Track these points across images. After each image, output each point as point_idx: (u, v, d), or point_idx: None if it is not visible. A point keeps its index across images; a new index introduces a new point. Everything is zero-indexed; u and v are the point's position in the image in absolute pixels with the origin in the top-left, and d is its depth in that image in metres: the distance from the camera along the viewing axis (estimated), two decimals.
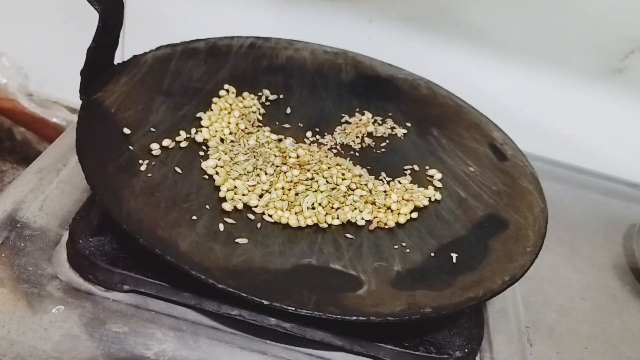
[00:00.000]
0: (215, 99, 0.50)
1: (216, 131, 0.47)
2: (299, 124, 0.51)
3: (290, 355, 0.40)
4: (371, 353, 0.40)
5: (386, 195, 0.46)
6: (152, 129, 0.46)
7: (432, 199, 0.47)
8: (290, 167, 0.45)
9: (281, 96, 0.54)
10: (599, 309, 0.52)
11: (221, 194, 0.43)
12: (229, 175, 0.44)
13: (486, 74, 0.66)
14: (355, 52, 0.60)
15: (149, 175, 0.42)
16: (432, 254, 0.42)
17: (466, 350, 0.41)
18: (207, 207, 0.41)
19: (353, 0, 0.65)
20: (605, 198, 0.66)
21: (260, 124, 0.50)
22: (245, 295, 0.35)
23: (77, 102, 0.44)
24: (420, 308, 0.37)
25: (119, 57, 0.49)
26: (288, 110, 0.53)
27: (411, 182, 0.48)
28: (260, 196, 0.43)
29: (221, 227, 0.40)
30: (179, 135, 0.46)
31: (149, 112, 0.47)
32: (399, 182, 0.48)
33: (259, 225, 0.41)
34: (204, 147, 0.46)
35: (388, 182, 0.48)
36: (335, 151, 0.50)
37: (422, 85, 0.59)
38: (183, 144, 0.46)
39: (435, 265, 0.41)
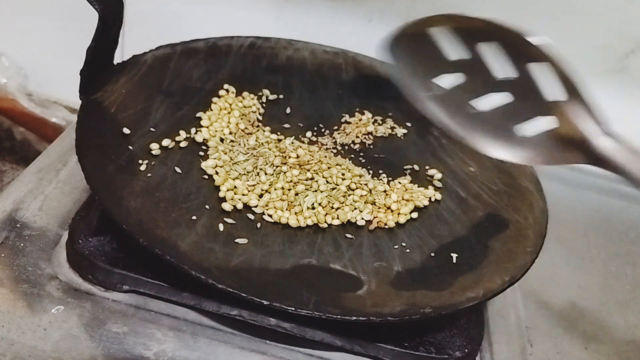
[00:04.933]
0: (215, 99, 0.50)
1: (216, 131, 0.47)
2: (299, 124, 0.51)
3: (290, 355, 0.40)
4: (371, 353, 0.40)
5: (386, 195, 0.46)
6: (152, 129, 0.46)
7: (432, 199, 0.47)
8: (290, 167, 0.45)
9: (281, 96, 0.54)
10: (599, 309, 0.52)
11: (221, 194, 0.42)
12: (229, 175, 0.44)
13: None
14: (355, 51, 0.60)
15: (149, 175, 0.42)
16: (432, 254, 0.42)
17: (466, 350, 0.41)
18: (207, 207, 0.41)
19: (353, 0, 0.64)
20: (606, 198, 0.66)
21: (260, 124, 0.50)
22: (245, 295, 0.35)
23: (76, 102, 0.44)
24: (420, 308, 0.37)
25: (119, 57, 0.49)
26: (288, 110, 0.52)
27: (411, 182, 0.48)
28: (260, 196, 0.43)
29: (221, 227, 0.40)
30: (179, 135, 0.46)
31: (149, 112, 0.47)
32: (399, 182, 0.48)
33: (258, 225, 0.41)
34: (204, 147, 0.46)
35: (388, 182, 0.48)
36: (335, 151, 0.50)
37: None
38: (183, 144, 0.45)
39: (435, 265, 0.41)
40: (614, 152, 0.28)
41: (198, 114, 0.48)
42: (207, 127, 0.47)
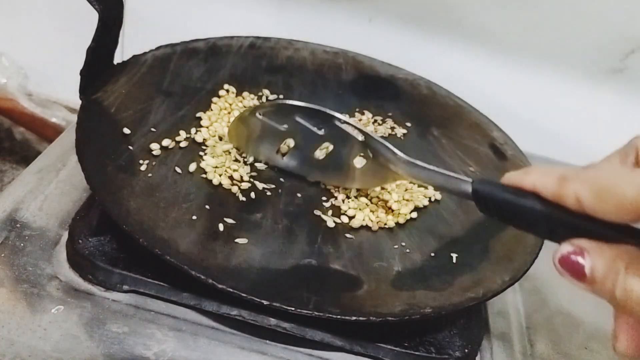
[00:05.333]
0: (215, 99, 0.50)
1: (216, 131, 0.47)
2: None
3: (290, 355, 0.40)
4: (371, 353, 0.40)
5: (386, 195, 0.46)
6: (152, 129, 0.46)
7: (432, 199, 0.47)
8: None
9: (281, 96, 0.54)
10: (599, 309, 0.52)
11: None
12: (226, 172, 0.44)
13: (486, 74, 0.66)
14: (355, 51, 0.60)
15: (149, 175, 0.42)
16: (432, 254, 0.42)
17: (466, 350, 0.41)
18: (207, 207, 0.41)
19: (353, 0, 0.65)
20: None
21: None
22: (245, 295, 0.35)
23: (76, 102, 0.44)
24: (420, 308, 0.37)
25: (119, 57, 0.49)
26: None
27: (411, 182, 0.48)
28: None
29: (221, 227, 0.40)
30: (179, 135, 0.46)
31: (149, 112, 0.47)
32: (399, 182, 0.48)
33: (259, 222, 0.41)
34: (204, 147, 0.46)
35: None
36: None
37: (422, 85, 0.59)
38: (183, 144, 0.45)
39: (435, 265, 0.41)
40: (407, 170, 0.39)
41: (198, 114, 0.48)
42: (207, 127, 0.47)
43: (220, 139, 0.47)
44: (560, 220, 0.27)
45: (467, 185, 0.32)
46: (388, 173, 0.40)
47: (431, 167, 0.37)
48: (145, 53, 0.52)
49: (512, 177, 0.29)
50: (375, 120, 0.54)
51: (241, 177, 0.44)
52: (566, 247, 0.26)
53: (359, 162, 0.43)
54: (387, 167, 0.40)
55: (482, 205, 0.31)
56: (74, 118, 0.48)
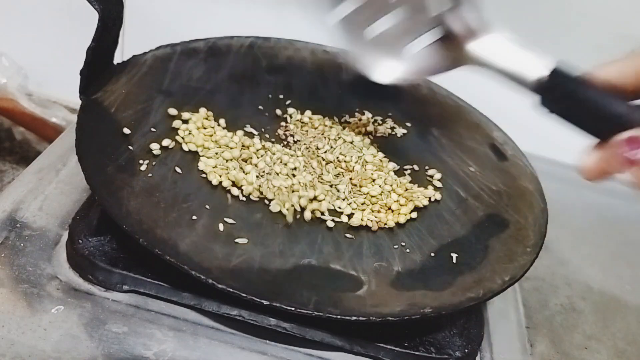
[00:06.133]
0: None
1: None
2: None
3: (290, 355, 0.40)
4: (371, 353, 0.40)
5: (386, 195, 0.46)
6: (152, 129, 0.46)
7: (432, 199, 0.47)
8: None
9: (281, 96, 0.54)
10: (599, 309, 0.52)
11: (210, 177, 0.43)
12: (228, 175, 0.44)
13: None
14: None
15: (149, 175, 0.42)
16: (432, 254, 0.42)
17: (466, 350, 0.41)
18: (207, 207, 0.41)
19: None
20: (606, 198, 0.66)
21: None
22: (245, 295, 0.35)
23: (76, 102, 0.44)
24: (420, 308, 0.37)
25: (119, 57, 0.49)
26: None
27: (411, 182, 0.48)
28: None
29: (221, 227, 0.40)
30: (179, 135, 0.46)
31: (149, 112, 0.47)
32: (399, 182, 0.48)
33: (260, 222, 0.41)
34: (204, 147, 0.46)
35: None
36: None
37: (422, 85, 0.59)
38: (183, 145, 0.45)
39: (435, 265, 0.41)
40: (481, 51, 0.34)
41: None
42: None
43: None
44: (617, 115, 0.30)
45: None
46: (454, 58, 0.37)
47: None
48: (145, 53, 0.52)
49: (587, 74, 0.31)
50: (375, 120, 0.54)
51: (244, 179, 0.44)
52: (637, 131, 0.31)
53: (420, 44, 0.38)
54: (458, 48, 0.36)
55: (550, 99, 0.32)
56: (74, 118, 0.48)
